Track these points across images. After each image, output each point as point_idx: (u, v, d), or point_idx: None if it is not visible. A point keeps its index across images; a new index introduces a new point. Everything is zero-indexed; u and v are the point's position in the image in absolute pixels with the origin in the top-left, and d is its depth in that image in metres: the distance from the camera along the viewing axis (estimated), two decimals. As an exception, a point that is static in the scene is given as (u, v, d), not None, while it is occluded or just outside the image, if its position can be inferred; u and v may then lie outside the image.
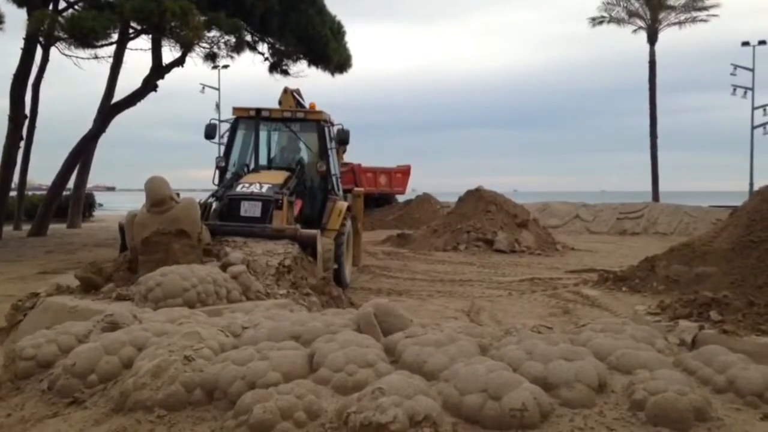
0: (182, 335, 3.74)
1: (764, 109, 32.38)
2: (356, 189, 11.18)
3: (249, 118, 10.21)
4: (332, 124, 10.65)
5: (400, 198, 28.43)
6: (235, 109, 10.37)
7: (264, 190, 8.48)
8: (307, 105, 12.16)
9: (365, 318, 3.89)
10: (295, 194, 9.05)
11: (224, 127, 15.53)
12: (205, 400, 3.31)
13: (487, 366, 3.16)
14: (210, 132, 10.40)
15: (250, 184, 8.62)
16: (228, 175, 9.81)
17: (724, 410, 3.04)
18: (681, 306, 6.92)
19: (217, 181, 9.85)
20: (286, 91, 12.47)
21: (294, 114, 10.34)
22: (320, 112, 10.32)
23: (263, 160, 10.40)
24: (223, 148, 10.91)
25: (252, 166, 10.11)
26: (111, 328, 4.15)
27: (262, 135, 10.55)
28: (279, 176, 9.12)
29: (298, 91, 12.61)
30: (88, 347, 3.82)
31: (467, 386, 3.03)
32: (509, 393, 2.94)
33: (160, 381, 3.32)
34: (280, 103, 12.43)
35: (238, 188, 8.58)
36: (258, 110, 10.16)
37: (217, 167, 9.96)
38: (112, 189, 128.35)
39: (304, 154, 10.45)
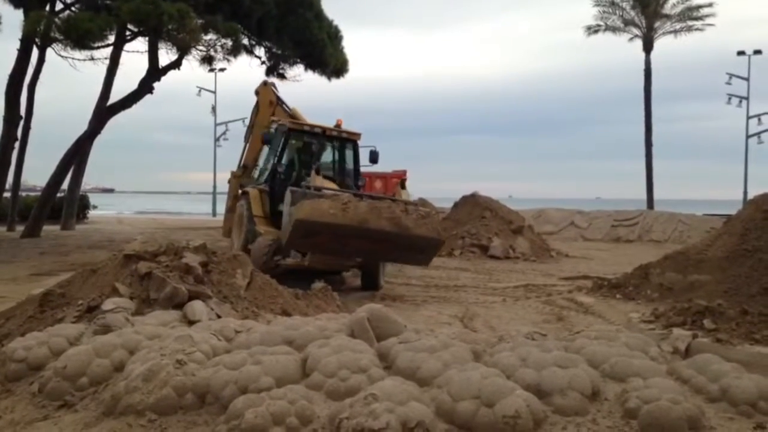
0: (174, 339, 3.72)
1: (759, 119, 32.62)
2: None
3: (300, 132, 11.53)
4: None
5: (396, 203, 28.40)
6: (290, 122, 11.63)
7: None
8: (283, 99, 13.85)
9: (359, 323, 3.88)
10: None
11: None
12: (196, 405, 3.29)
13: (480, 372, 3.15)
14: (270, 139, 11.53)
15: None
16: (263, 176, 11.54)
17: (717, 419, 3.04)
18: (675, 314, 6.94)
19: (268, 179, 11.26)
20: (265, 84, 14.12)
21: (339, 133, 11.56)
22: (358, 134, 11.68)
23: (308, 169, 11.25)
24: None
25: (297, 172, 11.53)
26: (103, 331, 4.13)
27: (308, 147, 11.92)
28: (332, 185, 10.22)
29: (274, 85, 14.18)
30: (80, 350, 3.79)
31: (460, 393, 3.02)
32: (502, 400, 2.93)
33: (151, 385, 3.30)
34: (257, 93, 14.15)
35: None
36: (311, 126, 11.57)
37: (272, 170, 11.24)
38: (110, 191, 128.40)
39: (347, 169, 11.87)
